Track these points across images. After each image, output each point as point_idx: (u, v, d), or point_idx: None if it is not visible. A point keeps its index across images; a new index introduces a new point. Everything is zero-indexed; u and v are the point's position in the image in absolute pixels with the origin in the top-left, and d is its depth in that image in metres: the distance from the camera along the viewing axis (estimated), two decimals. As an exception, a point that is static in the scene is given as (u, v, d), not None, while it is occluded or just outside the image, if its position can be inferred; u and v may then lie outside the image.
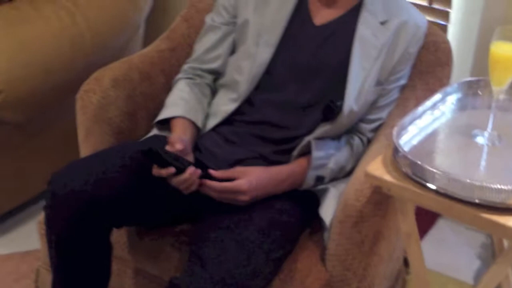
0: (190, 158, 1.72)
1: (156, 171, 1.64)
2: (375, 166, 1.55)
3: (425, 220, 2.52)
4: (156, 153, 1.60)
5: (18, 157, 2.30)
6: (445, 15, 2.42)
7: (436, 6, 2.41)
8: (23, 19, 2.28)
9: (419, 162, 1.46)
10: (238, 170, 1.71)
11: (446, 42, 1.95)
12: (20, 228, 2.46)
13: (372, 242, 1.68)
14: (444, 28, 2.43)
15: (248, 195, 1.68)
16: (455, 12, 2.40)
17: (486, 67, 1.58)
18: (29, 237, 2.34)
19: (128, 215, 1.74)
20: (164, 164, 1.62)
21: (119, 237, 1.87)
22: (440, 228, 2.49)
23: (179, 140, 1.69)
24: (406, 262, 2.23)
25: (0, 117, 2.18)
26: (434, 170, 1.44)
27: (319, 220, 1.76)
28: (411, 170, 1.49)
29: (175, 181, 1.64)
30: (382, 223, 1.67)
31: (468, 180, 1.41)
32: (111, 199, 1.66)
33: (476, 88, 1.77)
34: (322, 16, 1.83)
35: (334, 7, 1.83)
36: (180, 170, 1.62)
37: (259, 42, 1.83)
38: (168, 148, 1.68)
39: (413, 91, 1.89)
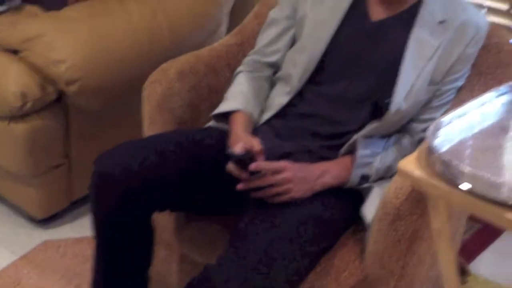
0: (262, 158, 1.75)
1: (232, 169, 1.71)
2: (408, 162, 1.53)
3: (491, 231, 2.45)
4: (240, 159, 1.68)
5: (94, 145, 2.41)
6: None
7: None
8: (106, 12, 2.41)
9: (447, 159, 1.44)
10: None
11: (510, 45, 1.90)
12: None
13: (409, 241, 1.66)
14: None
15: (293, 181, 1.70)
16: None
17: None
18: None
19: (174, 198, 1.79)
20: (242, 166, 1.70)
21: (167, 222, 1.93)
22: (504, 240, 2.41)
23: (262, 153, 1.74)
24: (463, 271, 2.19)
25: (76, 105, 2.30)
26: (462, 168, 1.41)
27: (362, 220, 1.76)
28: (442, 167, 1.46)
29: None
30: (420, 222, 1.65)
31: (493, 179, 1.37)
32: (157, 180, 1.72)
33: (530, 90, 1.71)
34: (379, 12, 1.83)
35: (392, 5, 1.82)
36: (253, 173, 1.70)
37: (313, 36, 1.84)
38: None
39: (470, 93, 1.86)
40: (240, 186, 1.71)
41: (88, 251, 2.38)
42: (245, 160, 1.69)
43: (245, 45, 2.18)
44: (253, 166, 1.68)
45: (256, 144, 1.74)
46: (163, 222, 1.92)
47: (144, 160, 1.73)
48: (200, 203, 1.85)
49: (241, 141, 1.74)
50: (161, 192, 1.74)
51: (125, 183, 1.70)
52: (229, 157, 1.71)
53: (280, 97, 1.90)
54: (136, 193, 1.71)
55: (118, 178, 1.70)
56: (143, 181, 1.70)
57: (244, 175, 1.70)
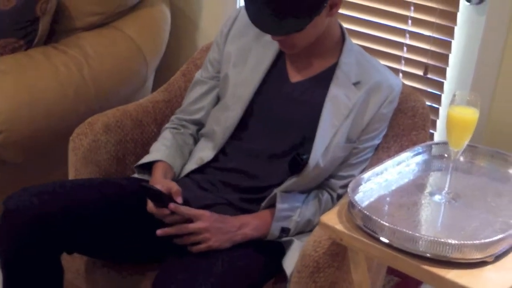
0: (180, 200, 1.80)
1: (152, 208, 1.75)
2: (330, 216, 1.60)
3: (409, 284, 2.54)
4: (157, 193, 1.73)
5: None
6: (440, 86, 2.49)
7: (431, 76, 2.48)
8: (33, 66, 2.42)
9: (368, 214, 1.52)
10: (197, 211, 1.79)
11: (425, 108, 2.01)
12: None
13: (328, 293, 1.72)
14: (438, 98, 2.50)
15: (209, 231, 1.75)
16: (448, 83, 2.47)
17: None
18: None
19: (85, 239, 1.79)
20: (160, 204, 1.74)
21: (77, 265, 1.94)
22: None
23: (180, 194, 1.79)
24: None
25: (0, 156, 2.29)
26: (382, 222, 1.49)
27: (283, 271, 1.81)
28: (362, 221, 1.54)
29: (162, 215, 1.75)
30: (337, 275, 1.70)
31: (410, 232, 1.45)
32: (63, 218, 1.71)
33: (442, 151, 1.82)
34: (297, 74, 1.92)
35: (310, 67, 1.91)
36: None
37: (235, 95, 1.92)
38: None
39: (387, 152, 1.95)
40: (159, 232, 1.74)
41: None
42: (162, 198, 1.74)
43: (173, 102, 2.24)
44: (171, 206, 1.73)
45: (173, 185, 1.80)
46: (73, 264, 1.92)
47: (52, 197, 1.74)
48: (113, 249, 1.85)
49: (158, 184, 1.79)
50: (69, 232, 1.74)
51: (27, 218, 1.69)
52: (145, 193, 1.75)
53: (203, 152, 1.96)
54: (40, 228, 1.70)
55: (21, 214, 1.69)
56: (47, 216, 1.70)
57: (165, 211, 1.73)
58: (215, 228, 1.77)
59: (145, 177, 1.97)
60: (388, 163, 1.73)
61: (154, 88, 2.76)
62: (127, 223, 1.82)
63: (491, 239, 1.43)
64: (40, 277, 1.77)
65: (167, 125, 2.08)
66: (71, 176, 2.06)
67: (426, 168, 1.79)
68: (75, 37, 2.62)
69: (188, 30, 3.01)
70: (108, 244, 1.84)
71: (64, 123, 2.39)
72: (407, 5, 2.42)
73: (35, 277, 1.76)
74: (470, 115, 1.60)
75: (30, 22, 2.49)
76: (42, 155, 2.45)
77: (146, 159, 1.98)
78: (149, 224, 1.78)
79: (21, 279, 1.75)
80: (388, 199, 1.67)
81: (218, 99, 2.03)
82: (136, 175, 2.00)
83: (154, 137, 2.14)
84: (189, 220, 1.76)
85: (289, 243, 1.84)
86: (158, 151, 1.97)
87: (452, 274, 1.41)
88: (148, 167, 1.97)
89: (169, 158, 1.95)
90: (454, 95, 1.60)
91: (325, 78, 1.89)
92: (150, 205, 1.77)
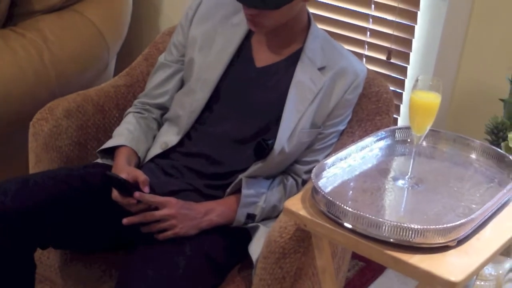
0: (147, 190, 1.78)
1: (118, 197, 1.73)
2: (294, 202, 1.60)
3: (374, 268, 2.56)
4: (122, 182, 1.70)
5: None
6: (404, 71, 2.50)
7: (394, 61, 2.49)
8: (-10, 49, 2.38)
9: (331, 199, 1.51)
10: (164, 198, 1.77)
11: (388, 93, 2.01)
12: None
13: (294, 278, 1.72)
14: (402, 83, 2.51)
15: (176, 217, 1.74)
16: (411, 68, 2.48)
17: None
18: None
19: (56, 233, 1.76)
20: (125, 193, 1.72)
21: (50, 260, 1.91)
22: (387, 277, 2.52)
23: (147, 184, 1.77)
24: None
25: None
26: (345, 207, 1.49)
27: (250, 257, 1.80)
28: (326, 207, 1.54)
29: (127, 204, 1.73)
30: (303, 261, 1.70)
31: (373, 217, 1.45)
32: (33, 213, 1.68)
33: (405, 135, 1.83)
34: (263, 58, 1.91)
35: (276, 52, 1.90)
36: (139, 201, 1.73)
37: (200, 79, 1.90)
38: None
39: (351, 137, 1.95)
40: (125, 221, 1.72)
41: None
42: (127, 187, 1.71)
43: (135, 86, 2.21)
44: (137, 195, 1.71)
45: (140, 174, 1.77)
46: (47, 259, 1.89)
47: (20, 193, 1.70)
48: (84, 239, 1.83)
49: (123, 171, 1.76)
50: (40, 227, 1.71)
51: None
52: (109, 182, 1.73)
53: (168, 137, 1.94)
54: (11, 227, 1.66)
55: None
56: (17, 214, 1.67)
57: (131, 200, 1.71)
58: (182, 215, 1.75)
59: (108, 161, 1.95)
60: (352, 148, 1.73)
61: (116, 73, 2.73)
62: (95, 211, 1.79)
63: (453, 224, 1.44)
64: (13, 274, 1.72)
65: (130, 109, 2.05)
66: (32, 162, 2.02)
67: (390, 153, 1.79)
68: (34, 20, 2.56)
69: (150, 13, 2.98)
70: (78, 235, 1.80)
71: (23, 107, 2.35)
72: (370, -11, 2.43)
73: (7, 273, 1.71)
74: (432, 99, 1.60)
75: (-13, 5, 2.44)
76: (1, 142, 2.41)
77: (109, 143, 1.95)
78: (116, 212, 1.75)
79: None
80: (351, 184, 1.67)
81: (182, 83, 2.01)
82: (99, 161, 1.98)
83: (116, 122, 2.12)
84: (155, 207, 1.74)
85: (255, 229, 1.84)
86: (121, 135, 1.94)
87: (415, 259, 1.41)
88: (111, 152, 1.94)
89: (132, 143, 1.92)
90: (416, 80, 1.60)
91: (290, 63, 1.88)
92: (115, 194, 1.74)
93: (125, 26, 2.77)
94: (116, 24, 2.72)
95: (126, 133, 1.94)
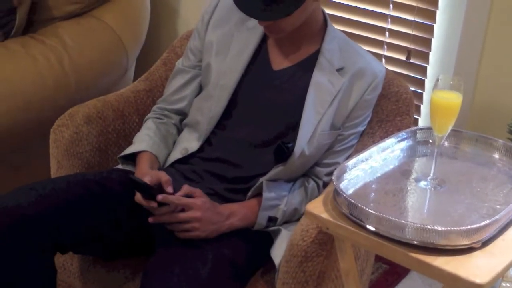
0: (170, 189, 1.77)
1: (141, 200, 1.72)
2: (316, 205, 1.59)
3: (398, 271, 2.54)
4: (145, 186, 1.70)
5: (3, 189, 2.36)
6: (423, 71, 2.48)
7: (414, 61, 2.48)
8: (11, 56, 2.39)
9: (353, 201, 1.50)
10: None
11: (408, 93, 2.00)
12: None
13: (316, 282, 1.71)
14: (422, 83, 2.49)
15: (200, 220, 1.73)
16: (431, 68, 2.46)
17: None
18: None
19: (72, 239, 1.75)
20: (149, 197, 1.71)
21: (70, 265, 1.91)
22: (411, 280, 2.50)
23: (170, 184, 1.76)
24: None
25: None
26: (367, 210, 1.48)
27: (272, 260, 1.80)
28: (348, 209, 1.53)
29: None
30: (326, 263, 1.70)
31: (396, 220, 1.44)
32: (52, 218, 1.68)
33: (426, 136, 1.81)
34: (280, 61, 1.90)
35: (293, 54, 1.89)
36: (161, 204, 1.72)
37: (218, 85, 1.90)
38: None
39: (372, 139, 1.94)
40: (151, 219, 1.72)
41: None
42: (150, 191, 1.71)
43: (154, 91, 2.21)
44: (159, 197, 1.70)
45: (163, 175, 1.77)
46: (70, 265, 1.90)
47: (39, 198, 1.69)
48: (103, 243, 1.83)
49: (147, 175, 1.76)
50: (58, 232, 1.70)
51: (16, 219, 1.64)
52: (133, 185, 1.72)
53: (188, 142, 1.94)
54: (30, 231, 1.66)
55: (8, 213, 1.65)
56: (35, 219, 1.66)
57: (152, 204, 1.71)
58: (206, 218, 1.75)
59: (129, 167, 1.95)
60: (373, 150, 1.72)
61: (135, 77, 2.73)
62: (113, 216, 1.79)
63: (477, 225, 1.43)
64: (31, 278, 1.71)
65: (149, 115, 2.05)
66: (53, 168, 2.03)
67: (411, 154, 1.78)
68: (54, 26, 2.58)
69: (168, 17, 2.98)
70: (96, 239, 1.80)
71: (43, 114, 2.36)
72: (388, -11, 2.42)
73: (27, 278, 1.70)
74: (453, 99, 1.58)
75: (7, 12, 2.45)
76: (22, 149, 2.42)
77: (130, 149, 1.95)
78: (135, 216, 1.76)
79: (12, 281, 1.69)
80: (373, 186, 1.66)
81: (200, 88, 2.01)
82: (120, 166, 1.98)
83: (136, 127, 2.12)
84: (182, 209, 1.74)
85: (277, 232, 1.83)
86: (142, 141, 1.94)
87: (439, 261, 1.40)
88: (132, 158, 1.95)
89: (154, 149, 1.92)
90: (437, 80, 1.59)
91: (308, 65, 1.87)
92: (138, 196, 1.74)
93: (143, 31, 2.78)
94: (134, 29, 2.73)
95: (147, 139, 1.94)
